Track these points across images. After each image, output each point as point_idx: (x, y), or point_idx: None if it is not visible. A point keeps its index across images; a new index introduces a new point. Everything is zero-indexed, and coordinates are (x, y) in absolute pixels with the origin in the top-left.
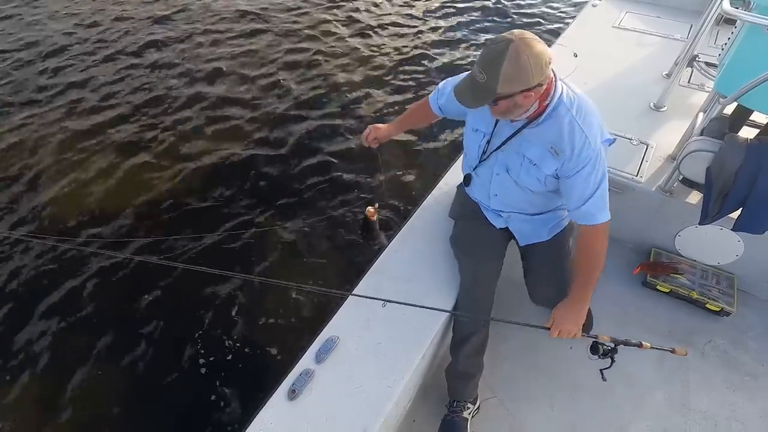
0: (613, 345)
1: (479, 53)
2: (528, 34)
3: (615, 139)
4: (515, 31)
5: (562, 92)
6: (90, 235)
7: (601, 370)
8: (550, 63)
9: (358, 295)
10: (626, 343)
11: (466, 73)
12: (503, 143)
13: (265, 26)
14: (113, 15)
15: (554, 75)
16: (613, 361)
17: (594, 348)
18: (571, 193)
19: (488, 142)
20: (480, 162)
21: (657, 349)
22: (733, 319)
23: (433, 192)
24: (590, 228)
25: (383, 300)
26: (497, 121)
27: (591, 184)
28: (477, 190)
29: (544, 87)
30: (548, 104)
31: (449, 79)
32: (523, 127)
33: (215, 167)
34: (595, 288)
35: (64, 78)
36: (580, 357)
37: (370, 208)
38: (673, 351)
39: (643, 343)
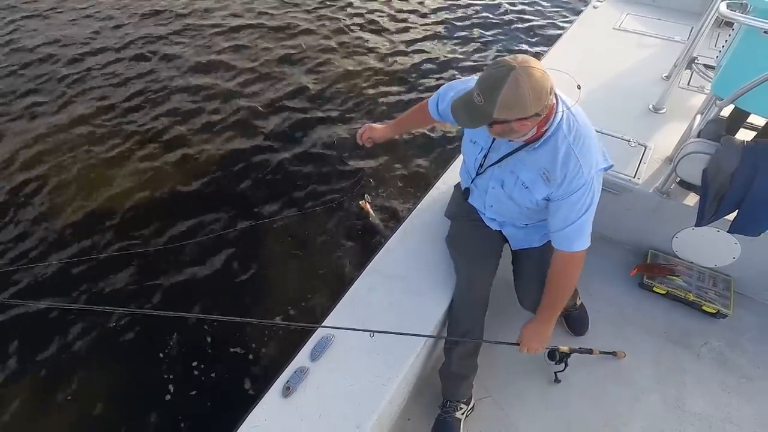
0: (568, 351)
1: (480, 74)
2: (532, 62)
3: (612, 165)
4: (519, 56)
5: (562, 118)
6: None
7: (555, 372)
8: (551, 92)
9: (328, 327)
10: (579, 351)
11: (467, 80)
12: (499, 160)
13: (263, 23)
14: (109, 5)
15: (557, 99)
16: (566, 365)
17: (551, 354)
18: (556, 215)
19: (485, 156)
20: (477, 175)
21: (604, 353)
22: (729, 321)
23: (430, 192)
24: (566, 254)
25: (369, 330)
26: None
27: (576, 211)
28: (474, 200)
29: (543, 116)
30: (546, 130)
31: (451, 83)
32: (520, 148)
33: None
34: (591, 290)
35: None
36: (575, 359)
37: (361, 202)
38: (614, 354)
39: (593, 349)
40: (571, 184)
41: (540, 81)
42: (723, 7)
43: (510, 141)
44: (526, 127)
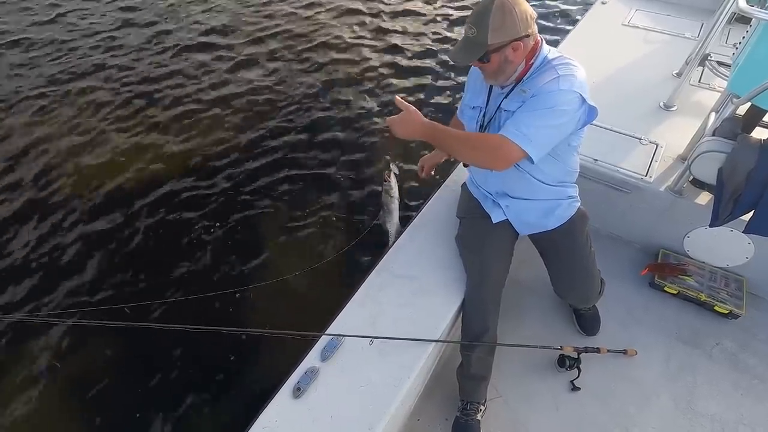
0: (576, 355)
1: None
2: None
3: (597, 111)
4: None
5: (549, 52)
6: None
7: (571, 381)
8: (535, 19)
9: (331, 335)
10: (587, 350)
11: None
12: (496, 110)
13: (277, 21)
14: None
15: (542, 40)
16: (579, 370)
17: (561, 361)
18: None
19: (484, 115)
20: None
21: (612, 351)
22: (741, 321)
23: (440, 190)
24: (497, 135)
25: (368, 337)
26: (489, 93)
27: (531, 110)
28: (476, 173)
29: (532, 42)
30: (533, 63)
31: None
32: (512, 89)
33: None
34: (603, 291)
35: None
36: (585, 359)
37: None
38: (625, 352)
39: (600, 348)
40: (542, 87)
41: (523, 3)
42: (742, 2)
43: (503, 88)
44: (519, 52)
